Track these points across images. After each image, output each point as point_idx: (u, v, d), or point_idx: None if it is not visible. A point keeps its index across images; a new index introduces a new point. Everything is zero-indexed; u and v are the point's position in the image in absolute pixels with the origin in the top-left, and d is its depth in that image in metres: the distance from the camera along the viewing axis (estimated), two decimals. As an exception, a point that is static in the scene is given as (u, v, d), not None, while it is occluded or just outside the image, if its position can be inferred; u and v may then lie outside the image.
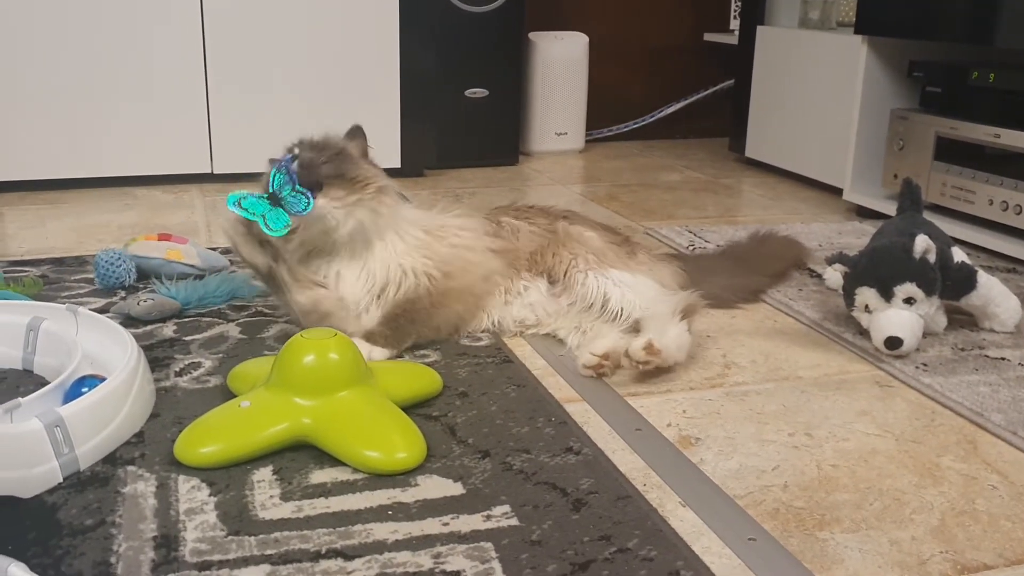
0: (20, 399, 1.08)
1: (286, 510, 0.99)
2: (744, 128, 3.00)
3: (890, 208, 2.22)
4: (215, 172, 2.59)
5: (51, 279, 1.74)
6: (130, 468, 1.07)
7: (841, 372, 1.41)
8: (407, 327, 1.42)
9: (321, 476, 1.06)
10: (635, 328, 1.42)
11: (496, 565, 0.90)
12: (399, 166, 2.72)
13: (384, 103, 2.67)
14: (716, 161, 3.13)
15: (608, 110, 3.41)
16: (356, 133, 1.53)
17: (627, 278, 1.47)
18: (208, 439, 1.08)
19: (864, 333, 1.50)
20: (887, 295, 1.42)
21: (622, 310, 1.43)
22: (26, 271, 1.77)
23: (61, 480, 1.03)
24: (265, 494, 1.02)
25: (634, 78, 3.46)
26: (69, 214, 2.27)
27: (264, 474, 1.06)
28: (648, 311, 1.42)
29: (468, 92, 2.89)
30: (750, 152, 2.98)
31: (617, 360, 1.37)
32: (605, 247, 1.54)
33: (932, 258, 1.42)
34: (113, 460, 1.09)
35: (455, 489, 1.04)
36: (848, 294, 1.48)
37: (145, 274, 1.70)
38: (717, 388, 1.34)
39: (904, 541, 0.97)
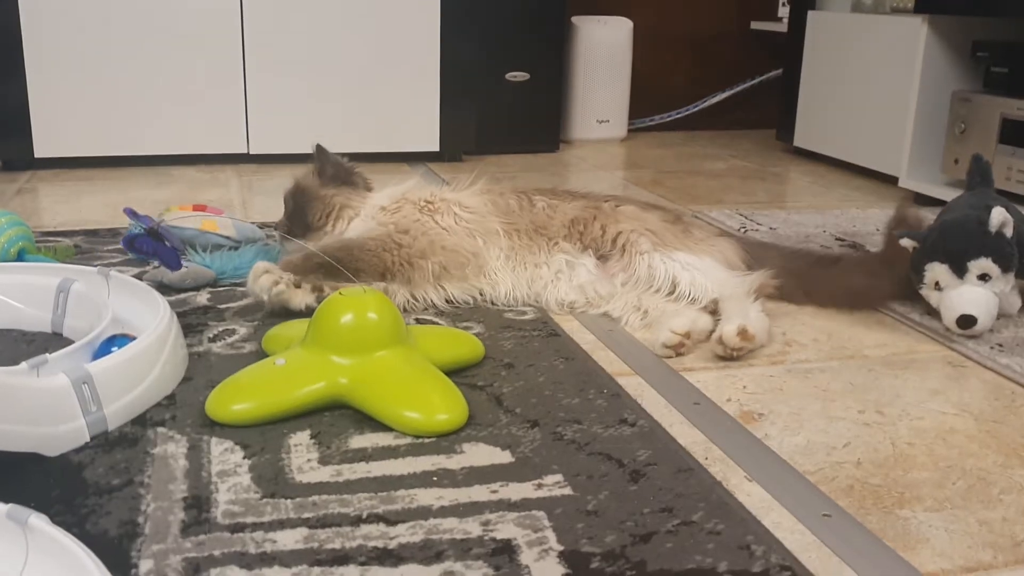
0: (47, 355, 1.03)
1: (324, 474, 0.93)
2: (792, 117, 2.91)
3: (949, 195, 2.12)
4: (251, 152, 2.54)
5: (84, 249, 1.70)
6: (160, 429, 1.01)
7: (910, 352, 1.32)
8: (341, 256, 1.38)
9: (361, 441, 1.00)
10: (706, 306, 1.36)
11: (550, 534, 0.83)
12: (437, 150, 2.67)
13: (423, 86, 2.61)
14: (763, 151, 3.05)
15: (651, 98, 3.34)
16: (315, 155, 1.59)
17: (695, 261, 1.40)
18: (241, 396, 1.02)
19: (932, 313, 1.41)
20: (960, 271, 1.34)
21: (691, 294, 1.37)
22: (59, 241, 1.73)
23: (88, 439, 0.98)
24: (302, 457, 0.96)
25: (678, 66, 3.38)
26: (104, 190, 2.24)
27: (301, 438, 1.00)
28: (721, 293, 1.35)
29: (509, 75, 2.82)
30: (799, 141, 2.89)
31: (698, 338, 1.30)
32: (663, 226, 1.47)
33: (1009, 232, 1.33)
34: (143, 421, 1.03)
35: (503, 457, 0.97)
36: (917, 270, 1.39)
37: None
38: (778, 365, 1.26)
39: (994, 521, 0.89)
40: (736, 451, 1.01)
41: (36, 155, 2.39)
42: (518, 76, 2.83)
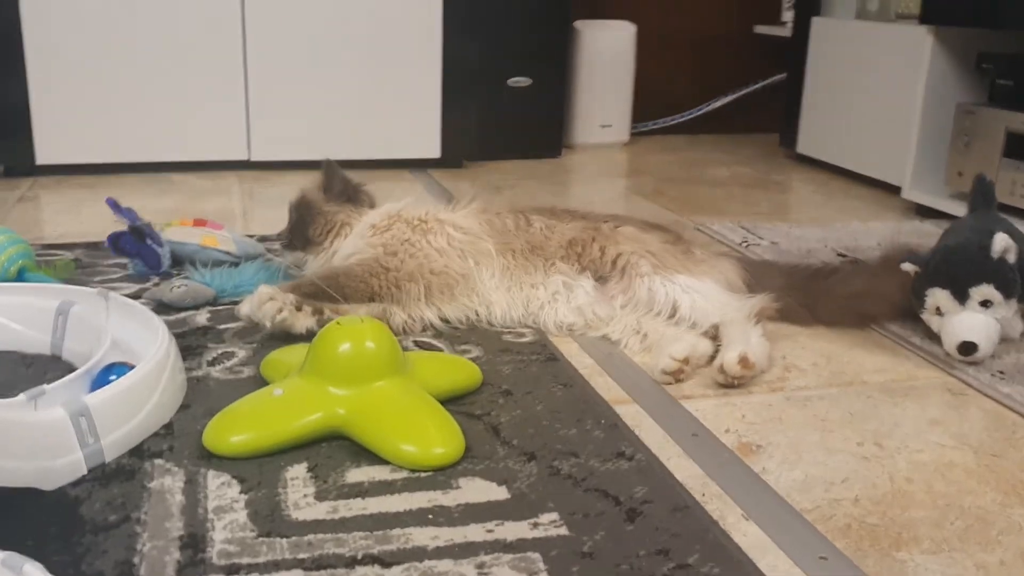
0: (45, 386, 1.03)
1: (320, 510, 0.93)
2: (796, 123, 2.90)
3: (953, 207, 2.13)
4: (252, 160, 2.54)
5: (84, 263, 1.70)
6: (157, 461, 1.01)
7: (909, 378, 1.32)
8: (342, 281, 1.39)
9: (358, 475, 1.00)
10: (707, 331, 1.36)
11: (545, 578, 0.83)
12: (439, 156, 2.66)
13: (424, 91, 2.60)
14: (766, 157, 3.04)
15: (654, 103, 3.33)
16: (324, 170, 1.60)
17: (695, 284, 1.40)
18: (238, 427, 1.02)
19: (933, 337, 1.41)
20: (961, 297, 1.33)
21: (692, 318, 1.37)
22: (59, 255, 1.73)
23: (85, 472, 0.98)
24: (299, 492, 0.96)
25: (681, 71, 3.37)
26: (105, 199, 2.23)
27: (298, 471, 1.00)
28: (722, 317, 1.35)
29: (511, 81, 2.82)
30: (802, 148, 2.88)
31: (697, 363, 1.30)
32: (663, 248, 1.47)
33: (1012, 258, 1.33)
34: (140, 452, 1.03)
35: (499, 493, 0.97)
36: (918, 295, 1.39)
37: (179, 260, 1.65)
38: (777, 392, 1.26)
39: (991, 565, 0.89)
40: (733, 487, 1.01)
41: (37, 162, 2.39)
42: (520, 82, 2.82)
